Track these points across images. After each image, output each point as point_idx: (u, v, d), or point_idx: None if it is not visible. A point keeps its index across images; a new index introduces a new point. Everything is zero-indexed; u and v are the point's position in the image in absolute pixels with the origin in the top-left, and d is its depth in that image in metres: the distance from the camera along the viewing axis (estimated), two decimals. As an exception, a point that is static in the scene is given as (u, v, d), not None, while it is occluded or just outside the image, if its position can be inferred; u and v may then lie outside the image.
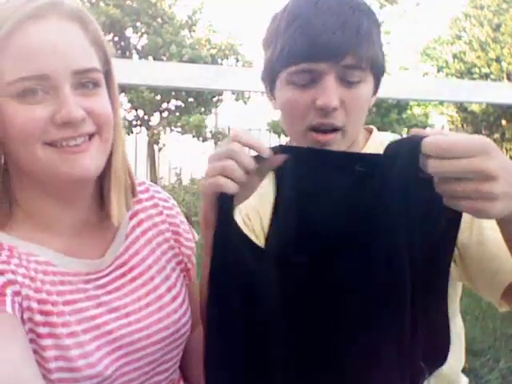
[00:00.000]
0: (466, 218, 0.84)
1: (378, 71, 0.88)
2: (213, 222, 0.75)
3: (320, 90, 0.83)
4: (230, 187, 0.71)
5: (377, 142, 0.96)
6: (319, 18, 0.82)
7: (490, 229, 0.81)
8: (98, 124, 0.72)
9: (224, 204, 0.72)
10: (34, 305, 0.71)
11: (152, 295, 0.83)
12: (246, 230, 1.04)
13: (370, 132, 0.99)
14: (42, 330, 0.70)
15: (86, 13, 0.73)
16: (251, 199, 1.04)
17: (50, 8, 0.69)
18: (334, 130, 0.85)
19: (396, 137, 0.99)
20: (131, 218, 0.87)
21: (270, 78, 0.91)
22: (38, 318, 0.70)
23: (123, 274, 0.82)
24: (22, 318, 0.69)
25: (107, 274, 0.81)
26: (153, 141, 8.05)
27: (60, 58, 0.68)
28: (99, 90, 0.73)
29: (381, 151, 0.94)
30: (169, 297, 0.85)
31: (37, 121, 0.68)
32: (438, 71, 9.33)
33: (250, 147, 0.71)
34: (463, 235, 0.84)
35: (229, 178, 0.71)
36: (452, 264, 0.88)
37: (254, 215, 1.03)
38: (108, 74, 0.76)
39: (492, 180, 0.58)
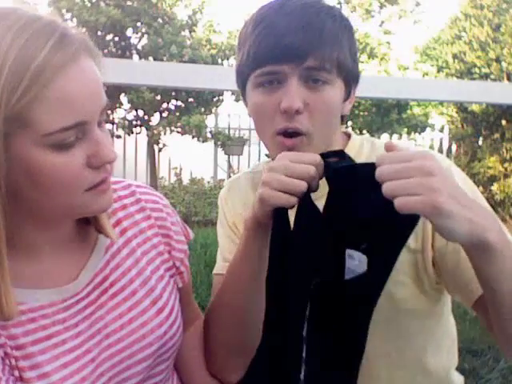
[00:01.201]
0: None
1: (347, 75, 0.87)
2: (263, 225, 0.78)
3: (284, 92, 0.83)
4: (293, 203, 0.73)
5: (355, 148, 0.95)
6: (282, 21, 0.82)
7: None
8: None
9: (283, 213, 0.75)
10: (8, 350, 0.69)
11: (135, 310, 0.80)
12: (234, 238, 1.03)
13: (349, 137, 0.98)
14: (17, 373, 0.69)
15: (91, 42, 0.70)
16: (237, 207, 1.04)
17: (81, 49, 0.66)
18: (299, 134, 0.84)
19: (373, 139, 0.99)
20: (113, 227, 0.82)
21: (241, 84, 0.91)
22: (14, 362, 0.69)
23: (105, 291, 0.79)
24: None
25: (87, 295, 0.77)
26: (153, 141, 8.04)
27: (94, 101, 0.66)
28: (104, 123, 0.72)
29: (359, 156, 0.94)
30: (153, 310, 0.81)
31: (78, 171, 0.66)
32: (438, 71, 9.32)
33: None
34: (441, 241, 0.84)
35: (292, 193, 0.72)
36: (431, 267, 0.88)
37: (241, 224, 1.03)
38: None
39: (431, 175, 0.62)
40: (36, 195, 0.67)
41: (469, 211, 0.63)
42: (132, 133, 8.12)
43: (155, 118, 8.09)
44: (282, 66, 0.82)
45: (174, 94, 7.93)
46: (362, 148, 0.95)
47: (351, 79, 0.89)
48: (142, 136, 8.29)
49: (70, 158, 0.65)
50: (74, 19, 7.59)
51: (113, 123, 8.13)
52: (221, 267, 1.01)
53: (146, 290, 0.82)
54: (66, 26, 0.67)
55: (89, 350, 0.75)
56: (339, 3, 9.24)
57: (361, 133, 7.89)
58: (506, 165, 8.46)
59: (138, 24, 7.90)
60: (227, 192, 1.08)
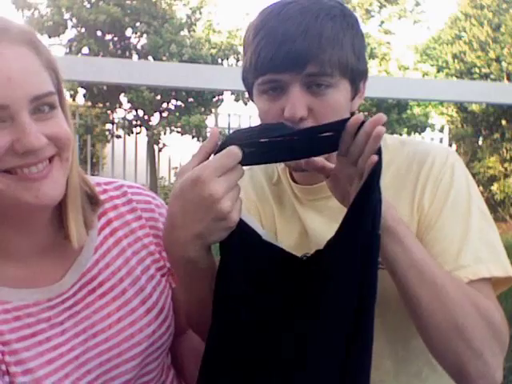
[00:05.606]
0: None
1: (352, 74, 0.85)
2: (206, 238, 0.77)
3: (286, 100, 0.83)
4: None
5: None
6: (281, 28, 0.81)
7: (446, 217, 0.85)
8: (58, 146, 0.71)
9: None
10: None
11: (123, 310, 0.80)
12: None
13: None
14: (3, 367, 0.70)
15: (36, 35, 0.71)
16: (251, 193, 1.04)
17: (5, 36, 0.66)
18: None
19: (385, 135, 0.98)
20: (103, 227, 0.83)
21: (248, 88, 0.92)
22: (0, 356, 0.70)
23: (93, 290, 0.79)
24: None
25: (73, 294, 0.78)
26: (153, 141, 8.04)
27: (16, 86, 0.66)
28: (55, 111, 0.71)
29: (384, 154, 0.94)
30: (142, 310, 0.81)
31: (0, 152, 0.65)
32: (438, 71, 9.32)
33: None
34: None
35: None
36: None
37: (255, 210, 1.03)
38: (60, 93, 0.74)
39: None
40: None
41: None
42: (132, 133, 8.12)
43: (155, 118, 8.09)
44: (282, 75, 0.81)
45: (173, 94, 7.93)
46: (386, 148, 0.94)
47: (357, 77, 0.88)
48: (142, 136, 8.29)
49: None
50: (74, 18, 7.59)
51: (113, 123, 8.13)
52: None
53: (136, 289, 0.82)
54: None
55: (73, 347, 0.76)
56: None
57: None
58: (506, 165, 8.47)
59: (138, 23, 7.90)
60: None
